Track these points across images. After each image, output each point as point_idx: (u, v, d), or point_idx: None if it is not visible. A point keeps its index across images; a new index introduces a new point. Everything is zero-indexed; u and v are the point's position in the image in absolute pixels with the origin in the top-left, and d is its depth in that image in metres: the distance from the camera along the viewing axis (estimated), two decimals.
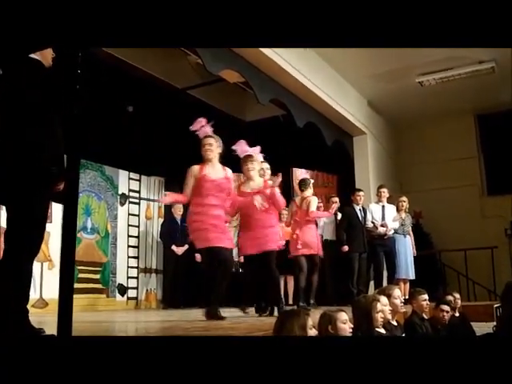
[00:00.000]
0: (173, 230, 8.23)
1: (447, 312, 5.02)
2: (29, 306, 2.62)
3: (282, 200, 5.25)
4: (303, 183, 6.60)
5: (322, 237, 7.53)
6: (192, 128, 4.99)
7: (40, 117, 2.58)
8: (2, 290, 2.49)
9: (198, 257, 8.10)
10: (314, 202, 6.41)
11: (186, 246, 8.15)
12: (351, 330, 3.06)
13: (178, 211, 8.29)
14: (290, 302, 7.75)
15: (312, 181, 6.84)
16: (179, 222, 8.29)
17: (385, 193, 7.36)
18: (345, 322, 3.04)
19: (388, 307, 3.92)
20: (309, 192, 6.54)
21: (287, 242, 7.89)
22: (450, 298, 5.53)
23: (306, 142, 8.48)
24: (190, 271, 8.30)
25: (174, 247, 8.10)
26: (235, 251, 8.18)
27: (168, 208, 8.80)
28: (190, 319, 4.92)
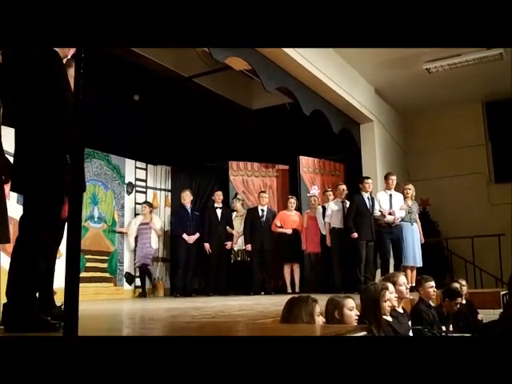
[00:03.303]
0: (184, 218, 8.25)
1: (460, 303, 5.06)
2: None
3: None
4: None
5: (330, 225, 7.56)
6: None
7: (55, 105, 2.59)
8: (15, 279, 2.51)
9: (207, 246, 8.16)
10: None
11: (197, 235, 8.18)
12: (357, 318, 3.09)
13: (186, 199, 8.31)
14: (297, 289, 7.84)
15: None
16: (189, 210, 8.32)
17: (393, 180, 7.34)
18: (351, 308, 3.06)
19: (394, 294, 3.93)
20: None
21: (294, 231, 7.97)
22: (456, 285, 5.55)
23: (312, 130, 8.46)
24: (200, 260, 8.37)
25: (184, 236, 8.12)
26: (241, 239, 8.24)
27: (176, 197, 8.83)
28: (198, 307, 4.95)
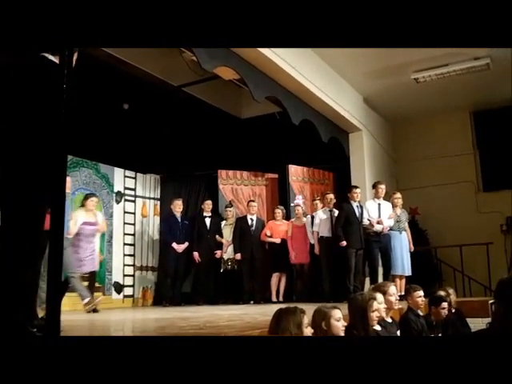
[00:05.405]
0: (173, 227, 8.21)
1: (446, 308, 5.05)
2: None
3: None
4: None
5: (318, 233, 7.55)
6: None
7: (44, 116, 2.58)
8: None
9: (196, 255, 8.13)
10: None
11: (187, 244, 8.14)
12: (343, 328, 3.08)
13: (177, 208, 8.27)
14: (281, 298, 7.87)
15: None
16: (179, 219, 8.28)
17: (382, 189, 7.35)
18: (338, 319, 3.05)
19: (383, 305, 3.93)
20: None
21: (283, 241, 7.97)
22: (441, 292, 5.54)
23: (301, 139, 8.48)
24: (189, 269, 8.34)
25: (174, 244, 8.07)
26: (230, 248, 8.22)
27: (165, 205, 8.80)
28: (186, 317, 4.92)
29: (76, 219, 6.45)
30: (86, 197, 6.76)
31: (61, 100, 2.30)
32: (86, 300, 6.01)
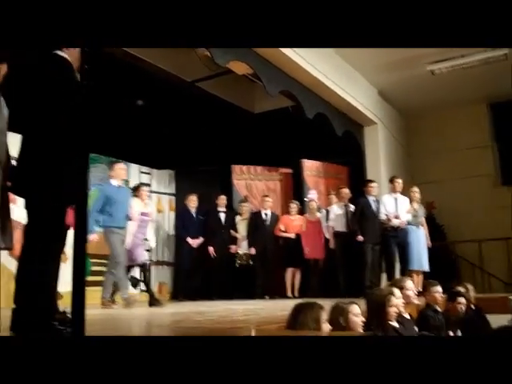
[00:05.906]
0: (188, 222, 8.21)
1: (463, 304, 4.97)
2: None
3: None
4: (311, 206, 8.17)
5: (333, 228, 7.50)
6: None
7: (61, 112, 2.58)
8: (22, 288, 2.50)
9: (211, 250, 8.12)
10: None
11: (201, 239, 8.14)
12: (363, 324, 3.03)
13: (192, 203, 8.27)
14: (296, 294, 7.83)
15: None
16: (194, 214, 8.27)
17: (399, 184, 7.27)
18: (357, 314, 3.01)
19: (401, 300, 3.87)
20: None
21: (297, 235, 7.92)
22: (460, 288, 5.46)
23: (316, 133, 8.40)
24: (203, 264, 8.34)
25: (189, 239, 8.08)
26: (245, 243, 8.19)
27: (180, 200, 8.79)
28: (202, 311, 4.90)
29: (133, 209, 6.42)
30: (138, 187, 6.90)
31: (79, 96, 2.29)
32: (125, 296, 5.97)
